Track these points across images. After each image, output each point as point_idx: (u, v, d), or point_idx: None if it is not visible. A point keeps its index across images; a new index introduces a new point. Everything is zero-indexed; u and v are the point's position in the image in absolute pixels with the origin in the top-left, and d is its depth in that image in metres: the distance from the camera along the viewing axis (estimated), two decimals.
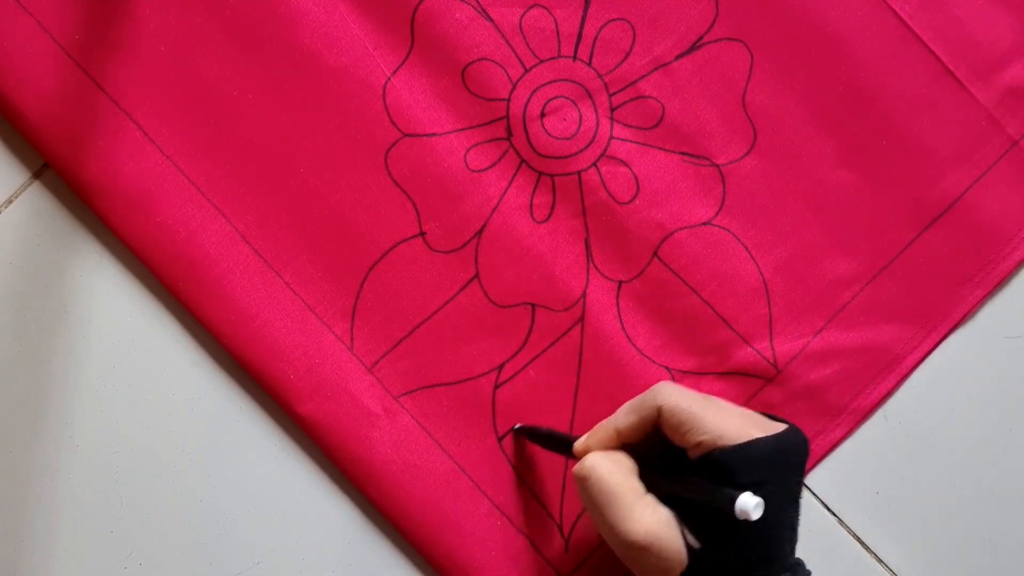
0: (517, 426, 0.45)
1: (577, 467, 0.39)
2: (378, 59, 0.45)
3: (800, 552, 0.46)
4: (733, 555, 0.36)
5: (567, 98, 0.46)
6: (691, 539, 0.37)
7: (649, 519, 0.37)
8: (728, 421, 0.37)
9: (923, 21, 0.46)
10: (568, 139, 0.46)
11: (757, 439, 0.37)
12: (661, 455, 0.39)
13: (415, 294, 0.45)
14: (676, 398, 0.38)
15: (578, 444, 0.40)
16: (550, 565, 0.45)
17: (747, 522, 0.34)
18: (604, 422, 0.40)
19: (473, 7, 0.45)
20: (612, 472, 0.38)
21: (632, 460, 0.39)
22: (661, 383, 0.40)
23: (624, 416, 0.40)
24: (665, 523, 0.37)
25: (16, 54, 0.44)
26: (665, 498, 0.38)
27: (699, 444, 0.37)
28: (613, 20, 0.46)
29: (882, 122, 0.47)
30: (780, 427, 0.38)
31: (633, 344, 0.46)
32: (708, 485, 0.36)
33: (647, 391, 0.40)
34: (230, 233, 0.45)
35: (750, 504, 0.34)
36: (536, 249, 0.46)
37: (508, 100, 0.45)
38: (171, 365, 0.45)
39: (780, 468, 0.37)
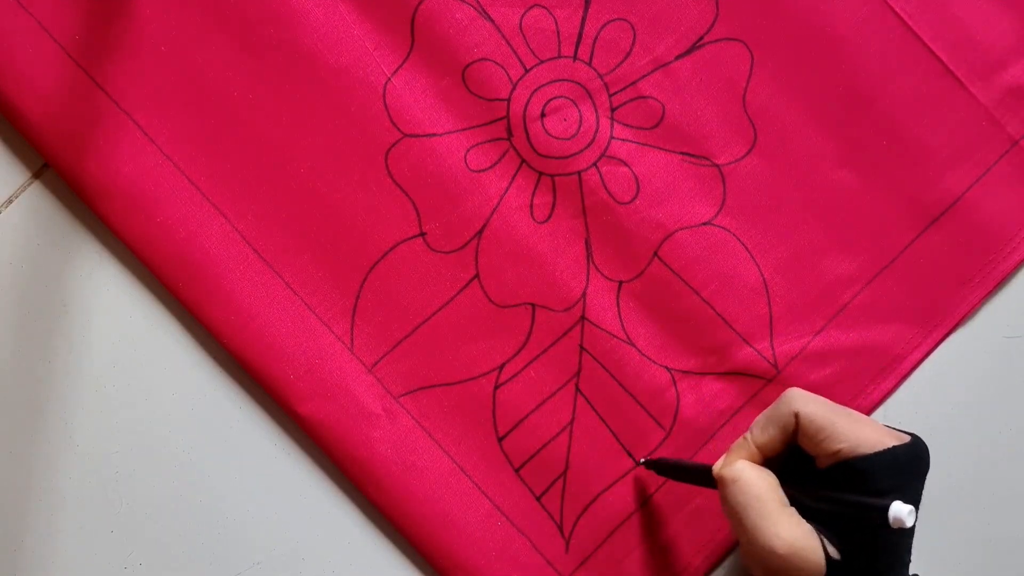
0: (642, 460, 0.45)
1: (726, 470, 0.39)
2: (378, 59, 0.45)
3: None
4: (870, 563, 0.37)
5: (567, 98, 0.46)
6: (831, 550, 0.37)
7: (794, 529, 0.37)
8: (863, 430, 0.38)
9: (923, 21, 0.47)
10: (568, 139, 0.46)
11: (895, 446, 0.37)
12: (788, 461, 0.40)
13: (415, 294, 0.45)
14: (812, 406, 0.39)
15: (718, 467, 0.40)
16: (550, 565, 0.45)
17: (888, 529, 0.35)
18: (740, 440, 0.41)
19: (473, 7, 0.45)
20: (760, 479, 0.38)
21: (775, 476, 0.39)
22: (791, 390, 0.40)
23: (761, 431, 0.40)
24: (808, 534, 0.37)
25: (16, 54, 0.44)
26: (800, 510, 0.38)
27: (836, 452, 0.37)
28: (613, 20, 0.46)
29: (882, 122, 0.47)
30: (906, 436, 0.39)
31: (633, 344, 0.46)
32: (852, 496, 0.37)
33: (778, 400, 0.40)
34: (230, 233, 0.45)
35: (903, 512, 0.35)
36: (536, 249, 0.46)
37: (508, 100, 0.45)
38: (171, 365, 0.45)
39: (914, 475, 0.38)
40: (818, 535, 0.37)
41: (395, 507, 0.45)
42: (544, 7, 0.46)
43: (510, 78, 0.45)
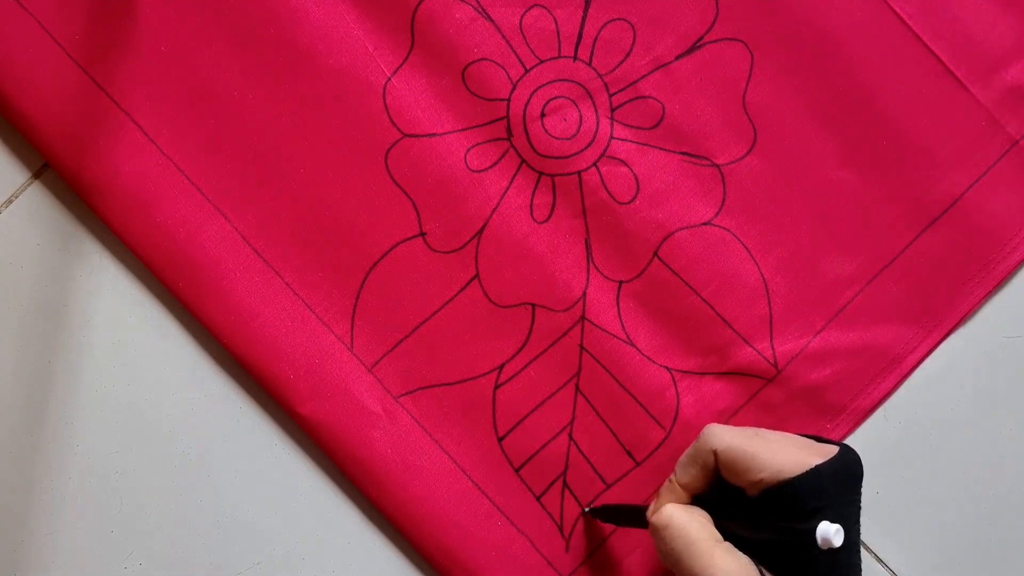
0: (587, 508, 0.45)
1: (655, 516, 0.39)
2: (378, 59, 0.45)
3: None
4: None
5: (567, 98, 0.46)
6: None
7: (730, 564, 0.37)
8: (783, 453, 0.38)
9: (923, 21, 0.46)
10: (568, 139, 0.46)
11: (817, 467, 0.37)
12: (719, 495, 0.39)
13: (415, 294, 0.45)
14: (728, 438, 0.38)
15: (650, 511, 0.40)
16: (550, 565, 0.45)
17: (823, 551, 0.35)
18: (666, 484, 0.40)
19: (473, 7, 0.45)
20: (690, 520, 0.38)
21: (705, 512, 0.39)
22: (709, 426, 0.40)
23: (683, 471, 0.40)
24: (745, 566, 0.37)
25: (16, 54, 0.44)
26: (737, 542, 0.38)
27: (759, 482, 0.37)
28: (613, 20, 0.46)
29: (882, 122, 0.47)
30: (832, 449, 0.38)
31: (633, 344, 0.46)
32: (782, 522, 0.36)
33: (697, 439, 0.40)
34: (230, 233, 0.45)
35: (831, 531, 0.35)
36: (536, 249, 0.46)
37: (508, 100, 0.45)
38: (171, 365, 0.45)
39: (843, 490, 0.37)
40: (756, 566, 0.37)
41: (395, 507, 0.45)
42: (544, 7, 0.46)
43: (510, 78, 0.45)
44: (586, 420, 0.46)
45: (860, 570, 0.38)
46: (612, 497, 0.46)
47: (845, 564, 0.37)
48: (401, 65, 0.45)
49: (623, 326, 0.46)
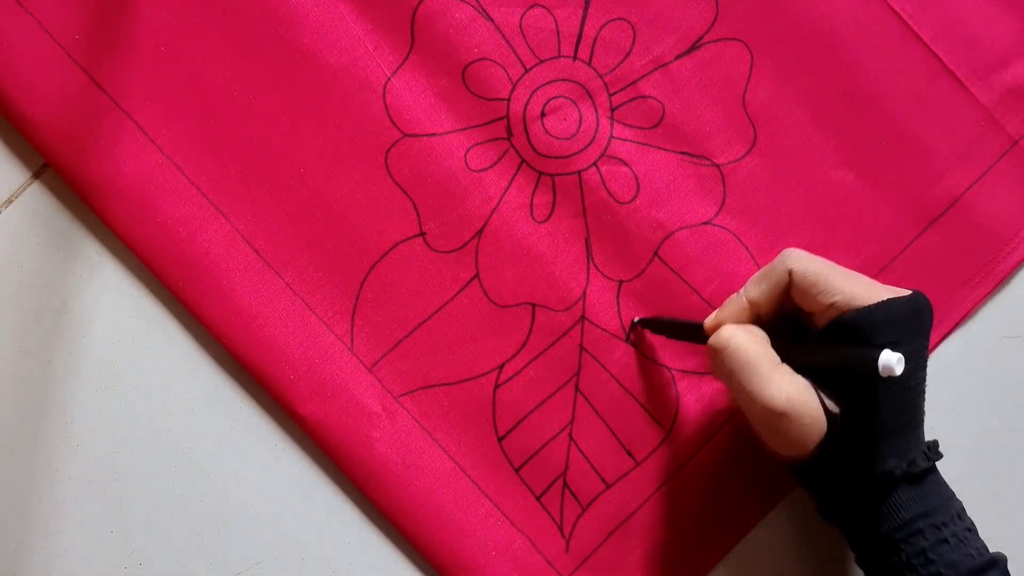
0: (637, 319, 0.45)
1: (713, 338, 0.39)
2: (378, 59, 0.45)
3: (799, 552, 0.46)
4: (872, 417, 0.36)
5: (567, 98, 0.46)
6: (830, 404, 0.36)
7: (788, 385, 0.37)
8: (858, 283, 0.37)
9: (923, 21, 0.47)
10: (568, 139, 0.46)
11: (891, 299, 0.37)
12: (786, 328, 0.39)
13: (415, 294, 0.45)
14: (806, 261, 0.38)
15: (709, 320, 0.40)
16: (550, 565, 0.45)
17: (888, 380, 0.34)
18: (733, 296, 0.40)
19: (473, 7, 0.45)
20: (749, 341, 0.38)
21: (764, 333, 0.39)
22: (788, 249, 0.39)
23: (754, 286, 0.39)
24: (804, 389, 0.37)
25: (16, 54, 0.44)
26: (797, 369, 0.38)
27: (831, 306, 0.37)
28: (613, 20, 0.46)
29: (882, 122, 0.47)
30: (905, 291, 0.38)
31: (633, 344, 0.46)
32: (846, 347, 0.36)
33: (775, 259, 0.40)
34: (230, 233, 0.45)
35: (892, 360, 0.34)
36: (536, 249, 0.46)
37: (508, 100, 0.45)
38: (171, 365, 0.45)
39: (912, 329, 0.37)
40: (815, 390, 0.37)
41: (395, 507, 0.45)
42: (544, 7, 0.46)
43: (510, 78, 0.45)
44: (586, 420, 0.46)
45: (923, 413, 0.38)
46: (612, 497, 0.46)
47: (902, 403, 0.37)
48: (401, 65, 0.45)
49: (623, 326, 0.46)
